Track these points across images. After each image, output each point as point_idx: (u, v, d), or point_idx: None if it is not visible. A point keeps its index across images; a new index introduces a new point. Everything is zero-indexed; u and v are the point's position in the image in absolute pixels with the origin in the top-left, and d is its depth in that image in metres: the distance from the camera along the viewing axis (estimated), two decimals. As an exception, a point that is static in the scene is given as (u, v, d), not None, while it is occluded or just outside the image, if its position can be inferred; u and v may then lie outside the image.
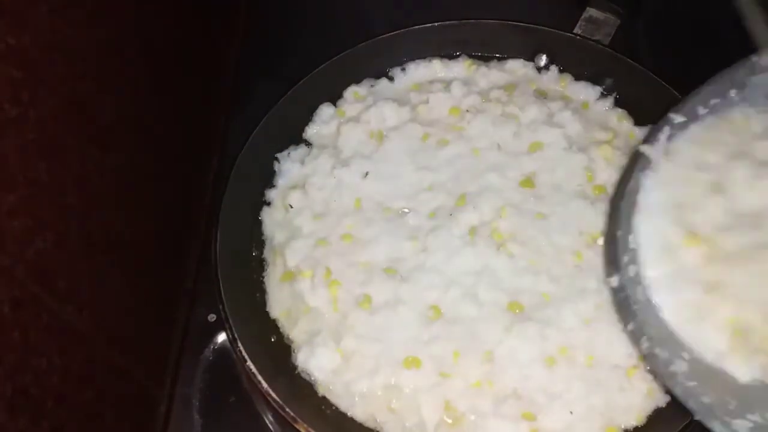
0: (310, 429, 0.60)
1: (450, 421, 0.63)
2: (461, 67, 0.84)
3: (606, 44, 0.82)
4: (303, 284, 0.70)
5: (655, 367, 0.56)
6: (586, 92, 0.82)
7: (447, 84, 0.82)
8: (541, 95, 0.81)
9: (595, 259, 0.67)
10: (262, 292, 0.72)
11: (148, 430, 0.67)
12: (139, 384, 0.65)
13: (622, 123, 0.79)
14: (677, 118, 0.59)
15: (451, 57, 0.85)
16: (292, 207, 0.75)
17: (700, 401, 0.52)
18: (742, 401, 0.52)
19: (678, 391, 0.54)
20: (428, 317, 0.66)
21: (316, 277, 0.69)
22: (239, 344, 0.64)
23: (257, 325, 0.69)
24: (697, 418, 0.52)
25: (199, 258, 0.78)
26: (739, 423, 0.50)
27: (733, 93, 0.58)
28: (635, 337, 0.57)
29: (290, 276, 0.71)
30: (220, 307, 0.66)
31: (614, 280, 0.58)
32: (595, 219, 0.69)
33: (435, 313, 0.65)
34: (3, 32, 0.46)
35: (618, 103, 0.80)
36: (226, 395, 0.70)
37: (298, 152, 0.80)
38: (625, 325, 0.58)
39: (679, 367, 0.54)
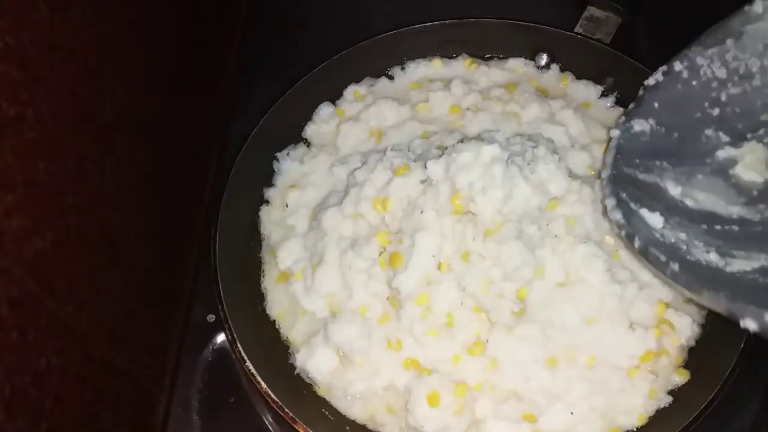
0: (309, 430, 0.60)
1: (450, 422, 0.63)
2: (461, 66, 0.84)
3: (607, 43, 0.82)
4: (297, 286, 0.70)
5: (649, 260, 0.59)
6: (587, 91, 0.82)
7: (447, 82, 0.82)
8: (543, 94, 0.81)
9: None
10: (261, 292, 0.72)
11: (146, 430, 0.67)
12: (137, 384, 0.65)
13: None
14: (677, 65, 0.64)
15: (451, 56, 0.85)
16: (288, 206, 0.75)
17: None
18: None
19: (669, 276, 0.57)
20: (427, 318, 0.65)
21: (307, 279, 0.69)
22: (238, 345, 0.64)
23: (256, 325, 0.69)
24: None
25: (198, 258, 0.78)
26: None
27: (729, 42, 0.60)
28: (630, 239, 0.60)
29: (285, 277, 0.71)
30: (219, 307, 0.66)
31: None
32: (599, 219, 0.68)
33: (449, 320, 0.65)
34: (2, 32, 0.45)
35: (619, 102, 0.80)
36: (226, 396, 0.70)
37: (297, 151, 0.80)
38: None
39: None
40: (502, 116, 0.78)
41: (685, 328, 0.65)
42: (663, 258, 0.58)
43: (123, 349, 0.62)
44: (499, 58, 0.85)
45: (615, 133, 0.66)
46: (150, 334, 0.70)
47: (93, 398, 0.56)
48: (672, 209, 0.62)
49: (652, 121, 0.66)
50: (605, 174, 0.64)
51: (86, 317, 0.55)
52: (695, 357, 0.65)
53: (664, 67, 0.66)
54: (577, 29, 0.83)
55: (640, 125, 0.65)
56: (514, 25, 0.83)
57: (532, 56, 0.84)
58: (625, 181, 0.63)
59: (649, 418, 0.63)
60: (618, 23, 0.84)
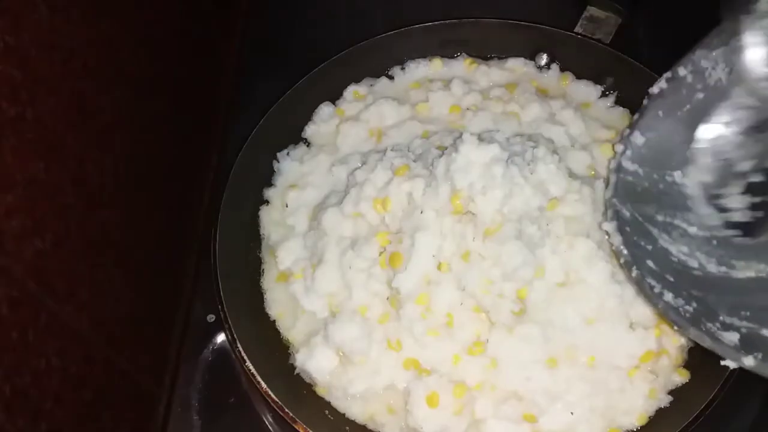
0: (309, 430, 0.60)
1: (450, 422, 0.62)
2: (461, 66, 0.84)
3: (607, 43, 0.82)
4: (296, 286, 0.70)
5: (643, 291, 0.60)
6: (587, 91, 0.82)
7: (447, 82, 0.82)
8: (543, 94, 0.81)
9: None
10: (261, 292, 0.72)
11: (146, 430, 0.67)
12: (137, 384, 0.65)
13: (623, 122, 0.78)
14: (682, 71, 0.63)
15: (451, 56, 0.85)
16: (288, 206, 0.75)
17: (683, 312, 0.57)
18: (731, 306, 0.56)
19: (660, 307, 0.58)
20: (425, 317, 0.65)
21: (307, 279, 0.69)
22: (238, 345, 0.64)
23: (256, 325, 0.69)
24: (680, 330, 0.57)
25: (198, 258, 0.78)
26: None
27: (734, 42, 0.60)
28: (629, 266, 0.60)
29: (285, 277, 0.71)
30: (220, 307, 0.66)
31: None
32: (599, 219, 0.68)
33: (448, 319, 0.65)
34: (2, 32, 0.45)
35: (619, 102, 0.80)
36: (226, 396, 0.70)
37: (297, 151, 0.80)
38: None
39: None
40: (502, 116, 0.78)
41: (685, 328, 0.65)
42: (658, 288, 0.58)
43: (123, 349, 0.62)
44: (499, 58, 0.85)
45: (619, 148, 0.65)
46: (150, 334, 0.70)
47: (93, 398, 0.56)
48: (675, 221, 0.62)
49: (656, 131, 0.64)
50: (607, 195, 0.64)
51: (86, 317, 0.55)
52: (695, 357, 0.65)
53: (668, 74, 0.64)
54: (577, 29, 0.83)
55: (644, 137, 0.64)
56: (514, 25, 0.83)
57: (532, 56, 0.84)
58: (629, 197, 0.63)
59: (649, 418, 0.63)
60: (618, 23, 0.84)
